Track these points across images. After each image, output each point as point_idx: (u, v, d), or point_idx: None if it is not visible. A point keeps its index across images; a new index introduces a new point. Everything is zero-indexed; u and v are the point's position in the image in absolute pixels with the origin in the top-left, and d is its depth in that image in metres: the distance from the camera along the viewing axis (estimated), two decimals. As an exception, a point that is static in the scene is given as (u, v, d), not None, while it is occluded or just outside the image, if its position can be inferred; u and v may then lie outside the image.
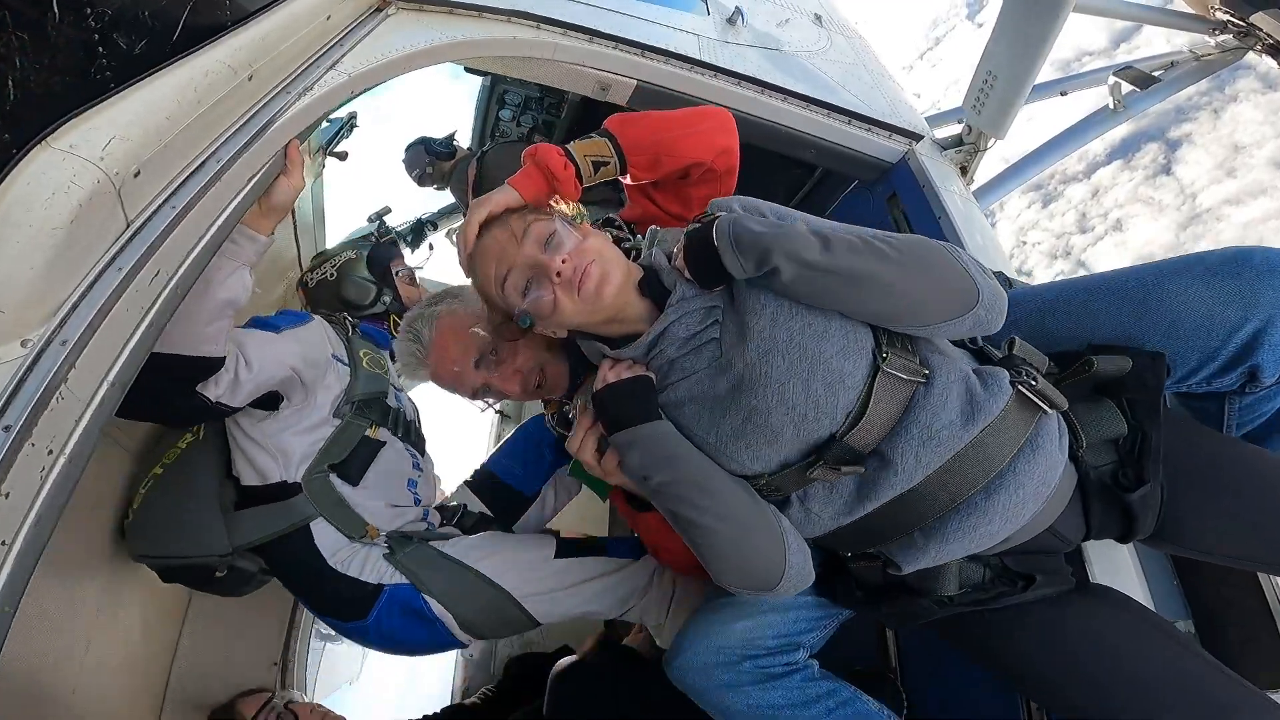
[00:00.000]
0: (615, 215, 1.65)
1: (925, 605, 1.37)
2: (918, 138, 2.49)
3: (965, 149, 2.57)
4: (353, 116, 2.89)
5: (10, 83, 0.92)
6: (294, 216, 2.74)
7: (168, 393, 1.55)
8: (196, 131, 1.24)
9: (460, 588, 1.75)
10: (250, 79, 1.42)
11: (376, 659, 4.32)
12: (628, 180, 1.63)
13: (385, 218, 3.64)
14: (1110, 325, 1.37)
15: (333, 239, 3.33)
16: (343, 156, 2.87)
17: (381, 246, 2.57)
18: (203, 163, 1.24)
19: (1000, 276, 2.10)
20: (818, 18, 3.20)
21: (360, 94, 1.76)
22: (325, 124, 2.88)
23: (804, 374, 1.17)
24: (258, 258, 1.58)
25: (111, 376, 1.01)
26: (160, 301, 1.10)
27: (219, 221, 1.26)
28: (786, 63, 2.65)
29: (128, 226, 1.07)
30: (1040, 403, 1.21)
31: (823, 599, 1.56)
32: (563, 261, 1.25)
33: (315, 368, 1.82)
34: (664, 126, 1.61)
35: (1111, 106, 3.36)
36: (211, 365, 1.56)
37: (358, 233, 3.43)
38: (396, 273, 2.55)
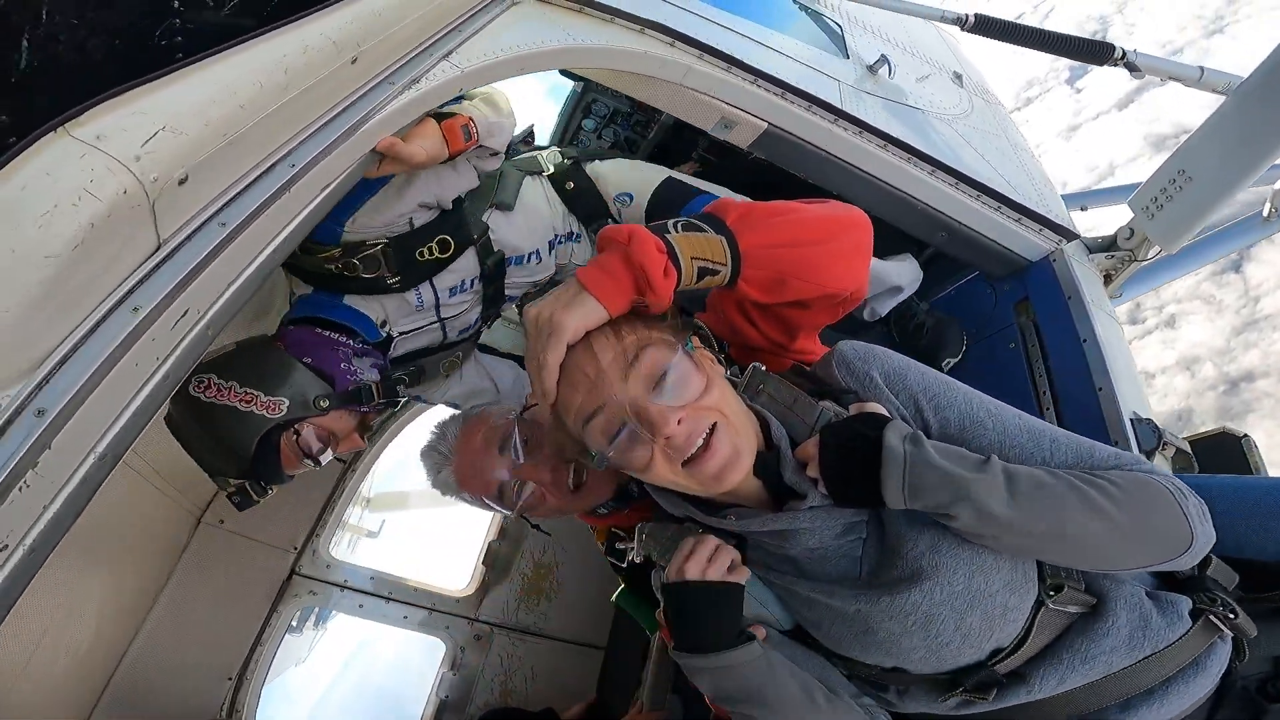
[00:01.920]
0: (701, 323, 1.25)
1: None
2: (1071, 236, 2.15)
3: (1119, 256, 2.19)
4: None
5: (26, 42, 0.65)
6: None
7: None
8: (276, 125, 0.97)
9: None
10: (354, 62, 1.14)
11: (324, 645, 4.09)
12: (732, 293, 1.15)
13: None
14: None
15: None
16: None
17: None
18: (273, 165, 0.97)
19: (1149, 426, 1.82)
20: (958, 76, 2.89)
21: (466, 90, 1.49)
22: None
23: (961, 608, 1.02)
24: None
25: (100, 448, 0.75)
26: (182, 349, 0.83)
27: (276, 242, 0.98)
28: (927, 126, 2.34)
29: (156, 249, 0.80)
30: (1228, 631, 1.09)
31: None
32: (678, 422, 0.97)
33: None
34: (798, 236, 1.11)
35: (1265, 214, 2.98)
36: None
37: None
38: None
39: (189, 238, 0.83)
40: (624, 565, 1.35)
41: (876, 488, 0.98)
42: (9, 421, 0.65)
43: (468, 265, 1.88)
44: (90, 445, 0.73)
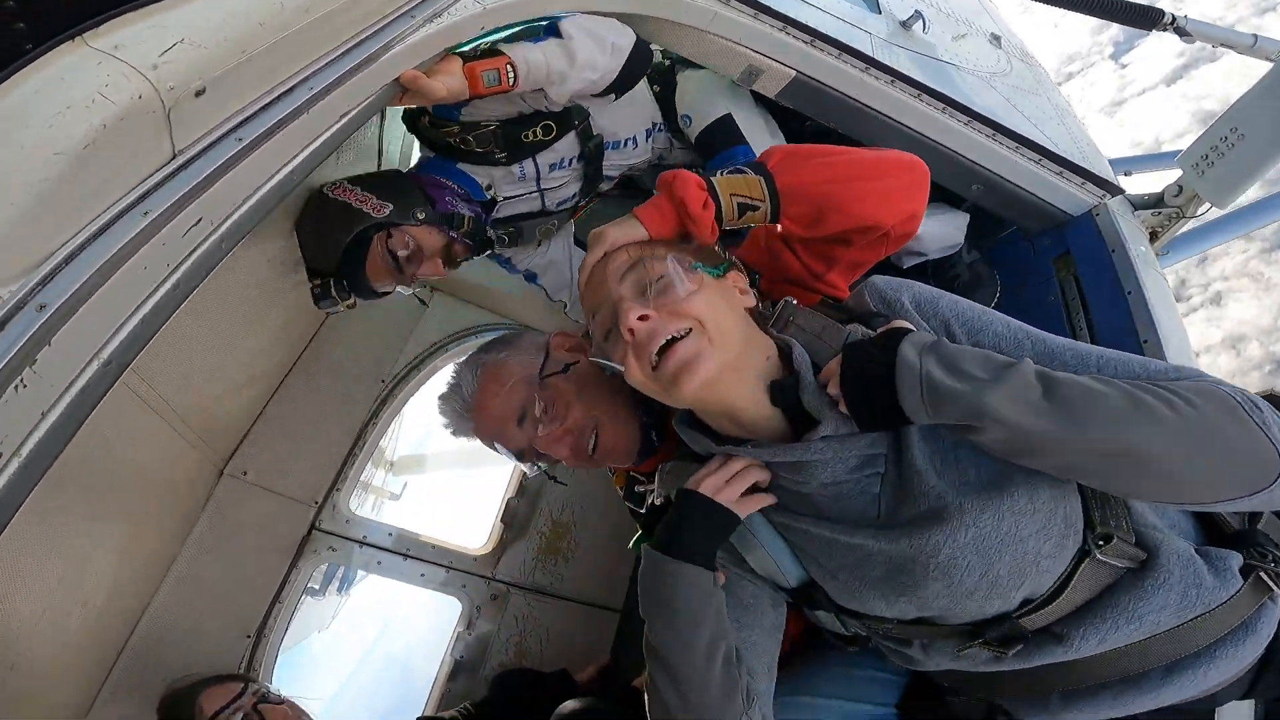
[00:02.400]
0: (734, 257, 1.31)
1: None
2: (1115, 191, 2.08)
3: (1166, 212, 2.12)
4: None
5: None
6: (380, 160, 2.47)
7: None
8: (296, 46, 0.96)
9: None
10: (378, -10, 1.13)
11: (349, 611, 4.17)
12: (776, 229, 1.26)
13: None
14: None
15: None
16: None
17: None
18: (291, 88, 0.95)
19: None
20: (996, 38, 2.78)
21: (488, 34, 1.46)
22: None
23: (988, 553, 0.95)
24: None
25: (105, 354, 0.74)
26: (194, 258, 0.82)
27: (294, 163, 0.98)
28: (962, 81, 2.26)
29: (172, 158, 0.79)
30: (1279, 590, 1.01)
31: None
32: (640, 318, 1.01)
33: None
34: (841, 174, 1.19)
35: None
36: None
37: None
38: None
39: (205, 149, 0.82)
40: (643, 510, 1.36)
41: (898, 403, 0.93)
42: (9, 316, 0.64)
43: (568, 146, 2.08)
44: (94, 349, 0.72)
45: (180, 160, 0.79)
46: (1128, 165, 3.12)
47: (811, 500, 1.09)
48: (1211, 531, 1.09)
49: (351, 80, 1.04)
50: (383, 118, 2.19)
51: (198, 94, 0.79)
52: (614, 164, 2.25)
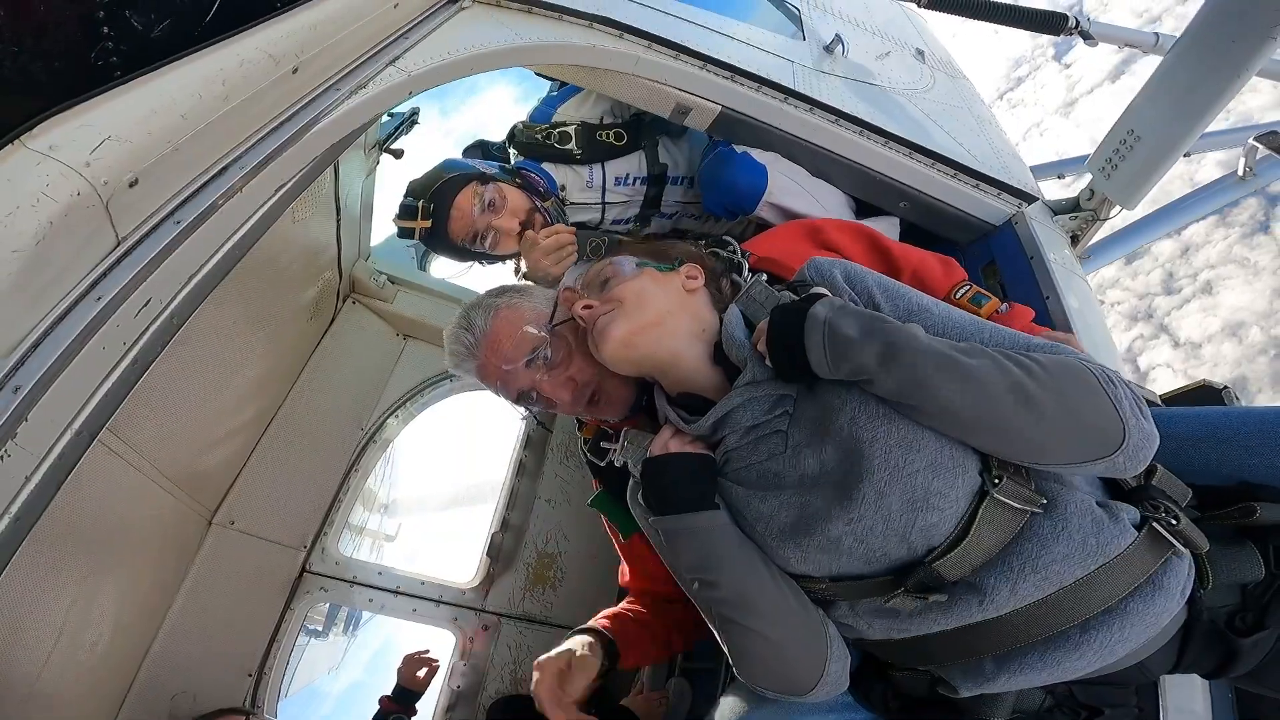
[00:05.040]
0: (731, 240, 1.45)
1: None
2: (1030, 199, 2.20)
3: (1082, 216, 2.25)
4: (414, 113, 2.75)
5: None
6: (339, 213, 2.59)
7: None
8: (220, 132, 1.06)
9: None
10: (295, 72, 1.23)
11: (356, 651, 4.18)
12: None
13: None
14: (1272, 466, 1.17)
15: (377, 238, 3.19)
16: (398, 154, 2.73)
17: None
18: (224, 169, 1.06)
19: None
20: (920, 53, 2.93)
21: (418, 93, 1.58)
22: (385, 118, 2.75)
23: (880, 485, 1.03)
24: None
25: (76, 425, 0.84)
26: (148, 336, 0.93)
27: (234, 238, 1.08)
28: (885, 101, 2.39)
29: (116, 246, 0.89)
30: (1177, 543, 1.04)
31: (853, 701, 1.37)
32: (585, 306, 1.26)
33: None
34: None
35: (1240, 174, 3.03)
36: None
37: None
38: None
39: (146, 235, 0.92)
40: (602, 464, 1.44)
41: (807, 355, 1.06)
42: (-11, 397, 0.74)
43: (635, 164, 2.40)
44: (66, 421, 0.82)
45: (124, 247, 0.89)
46: (1058, 169, 3.27)
47: (735, 455, 1.20)
48: (1109, 486, 1.14)
49: (283, 155, 1.14)
50: (337, 174, 2.31)
51: (131, 185, 0.89)
52: (671, 201, 2.49)
